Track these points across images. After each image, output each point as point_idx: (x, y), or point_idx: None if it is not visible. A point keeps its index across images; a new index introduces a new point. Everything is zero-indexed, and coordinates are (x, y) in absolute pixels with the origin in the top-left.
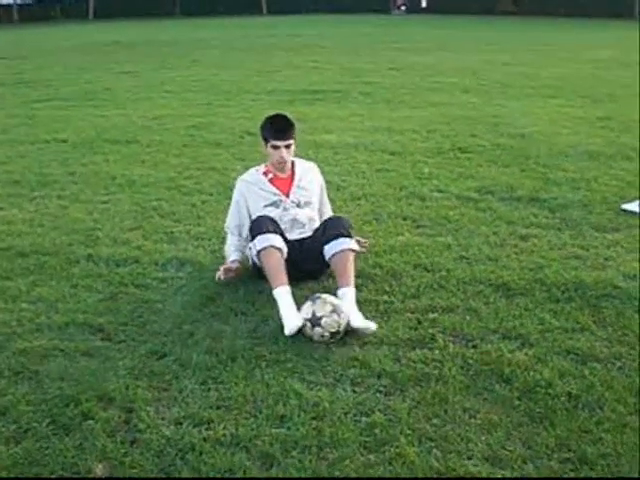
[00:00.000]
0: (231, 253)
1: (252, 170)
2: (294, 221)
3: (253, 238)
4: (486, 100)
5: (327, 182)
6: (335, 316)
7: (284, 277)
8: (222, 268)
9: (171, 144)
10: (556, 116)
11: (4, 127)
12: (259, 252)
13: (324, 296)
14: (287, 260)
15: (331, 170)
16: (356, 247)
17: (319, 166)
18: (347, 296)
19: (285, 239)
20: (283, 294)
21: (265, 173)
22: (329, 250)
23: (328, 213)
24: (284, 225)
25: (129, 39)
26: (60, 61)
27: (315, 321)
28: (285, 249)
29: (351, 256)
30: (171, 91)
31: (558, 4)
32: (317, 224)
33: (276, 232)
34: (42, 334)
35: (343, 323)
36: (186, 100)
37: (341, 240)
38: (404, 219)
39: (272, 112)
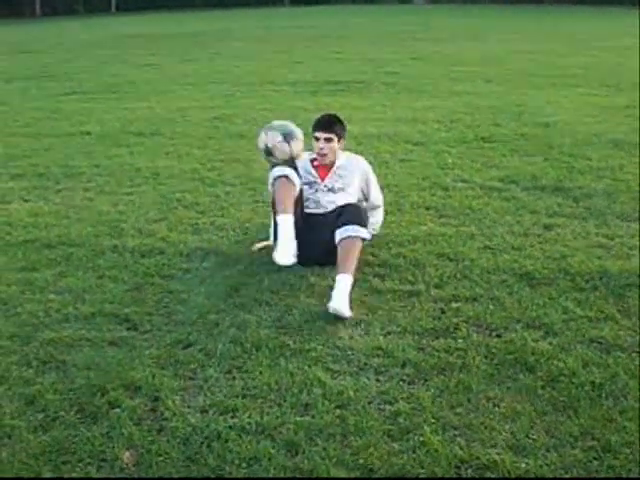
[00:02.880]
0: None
1: (307, 153)
2: (317, 202)
3: (272, 168)
4: (509, 89)
5: None
6: (285, 146)
7: (291, 206)
8: (262, 243)
9: (194, 136)
10: (580, 105)
11: (29, 120)
12: (275, 179)
13: (276, 125)
14: (298, 232)
15: None
16: (367, 236)
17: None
18: (341, 283)
19: (307, 213)
20: (286, 222)
21: (313, 160)
22: (339, 235)
23: (377, 201)
24: (307, 204)
25: (151, 32)
26: (83, 54)
27: (267, 151)
28: (298, 183)
29: (358, 244)
30: (193, 83)
31: None
32: None
33: (294, 168)
34: (69, 324)
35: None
36: (208, 92)
37: (352, 227)
38: (427, 209)
39: (295, 103)
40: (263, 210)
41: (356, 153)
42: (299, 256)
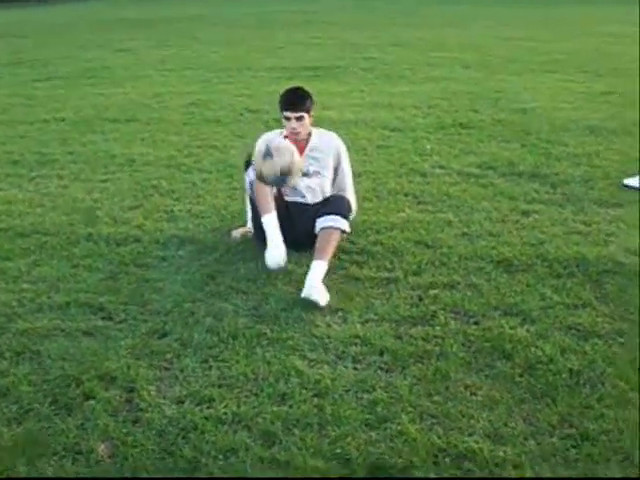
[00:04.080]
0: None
1: (276, 131)
2: (293, 189)
3: (247, 168)
4: (487, 75)
5: None
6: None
7: (271, 203)
8: (240, 231)
9: (171, 122)
10: (558, 91)
11: (3, 107)
12: (251, 182)
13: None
14: (280, 221)
15: None
16: (347, 228)
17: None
18: (316, 269)
19: (282, 199)
20: (271, 221)
21: (285, 137)
22: (319, 224)
23: (345, 186)
24: (285, 189)
25: (128, 16)
26: (59, 40)
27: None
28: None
29: (336, 234)
30: (170, 69)
31: None
32: (323, 196)
33: None
34: (43, 314)
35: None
36: (185, 77)
37: (333, 217)
38: (405, 195)
39: (272, 89)
40: (240, 197)
41: None
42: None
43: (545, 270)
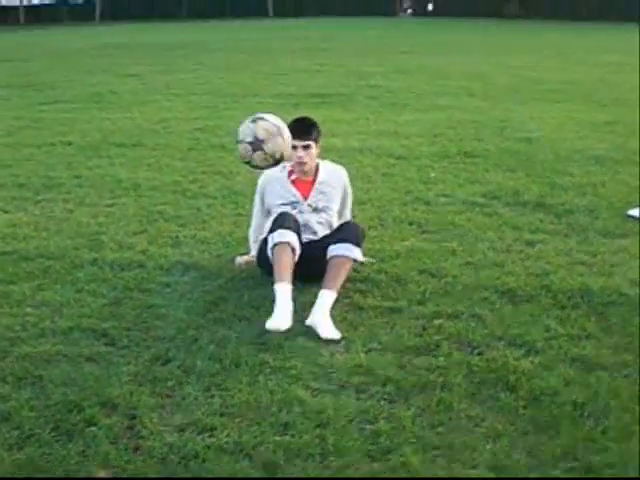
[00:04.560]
0: (253, 248)
1: (279, 167)
2: (305, 226)
3: (272, 231)
4: (493, 104)
5: None
6: (279, 139)
7: (290, 276)
8: (245, 258)
9: (176, 147)
10: (563, 120)
11: (10, 130)
12: (275, 245)
13: (267, 116)
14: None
15: None
16: (360, 258)
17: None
18: (324, 298)
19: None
20: (284, 290)
21: (290, 173)
22: (331, 251)
23: (346, 217)
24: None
25: (134, 42)
26: (66, 63)
27: (257, 145)
28: (299, 251)
29: (349, 264)
30: (176, 94)
31: (566, 7)
32: (330, 229)
33: (295, 232)
34: (46, 339)
35: (287, 147)
36: (191, 103)
37: (347, 245)
38: (409, 224)
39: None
40: (245, 223)
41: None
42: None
43: (549, 301)
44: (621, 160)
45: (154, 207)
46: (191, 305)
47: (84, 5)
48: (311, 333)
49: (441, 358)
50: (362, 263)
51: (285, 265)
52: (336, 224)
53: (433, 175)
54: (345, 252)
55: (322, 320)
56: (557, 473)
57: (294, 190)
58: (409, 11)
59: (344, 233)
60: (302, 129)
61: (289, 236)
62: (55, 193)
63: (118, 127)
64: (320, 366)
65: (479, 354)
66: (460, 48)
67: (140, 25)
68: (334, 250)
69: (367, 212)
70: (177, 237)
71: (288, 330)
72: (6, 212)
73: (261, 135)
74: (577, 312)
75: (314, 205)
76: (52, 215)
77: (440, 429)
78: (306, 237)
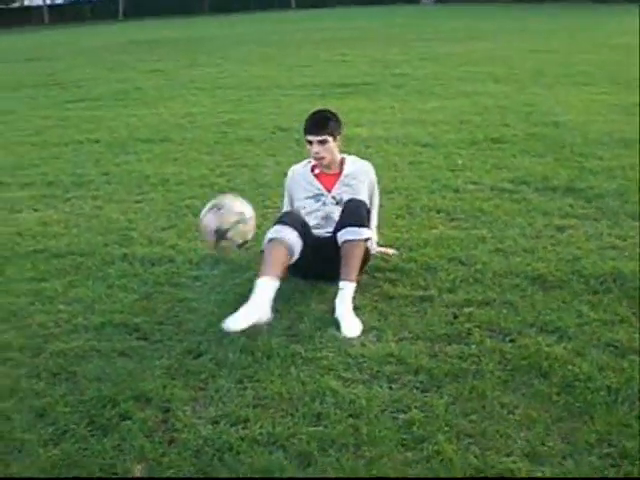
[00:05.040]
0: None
1: (304, 162)
2: (328, 218)
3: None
4: (518, 89)
5: None
6: (241, 226)
7: (275, 271)
8: None
9: (203, 142)
10: (590, 103)
11: (37, 129)
12: (270, 241)
13: (228, 204)
14: (314, 258)
15: None
16: (369, 235)
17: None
18: (344, 290)
19: (314, 236)
20: (261, 287)
21: (313, 168)
22: (340, 237)
23: (373, 216)
24: (316, 221)
25: (158, 37)
26: (91, 61)
27: (221, 235)
28: (297, 250)
29: (360, 247)
30: (201, 88)
31: None
32: None
33: (297, 229)
34: (79, 335)
35: (250, 232)
36: (216, 97)
37: (352, 229)
38: (438, 212)
39: (303, 107)
40: (272, 216)
41: (365, 156)
42: (315, 270)
43: (581, 286)
44: None
45: (182, 202)
46: (222, 298)
47: (107, 3)
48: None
49: (473, 346)
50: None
51: (273, 260)
52: None
53: (460, 162)
54: (354, 236)
55: (344, 315)
56: (592, 459)
57: (318, 183)
58: None
59: (348, 216)
60: (316, 124)
61: (285, 232)
62: (84, 190)
63: (144, 123)
64: (351, 356)
65: (511, 341)
66: (483, 34)
67: (163, 21)
68: (343, 236)
69: (395, 201)
70: None
71: (231, 340)
72: (36, 210)
73: (225, 225)
74: (609, 297)
75: (338, 197)
76: (82, 212)
77: (473, 417)
78: (327, 231)
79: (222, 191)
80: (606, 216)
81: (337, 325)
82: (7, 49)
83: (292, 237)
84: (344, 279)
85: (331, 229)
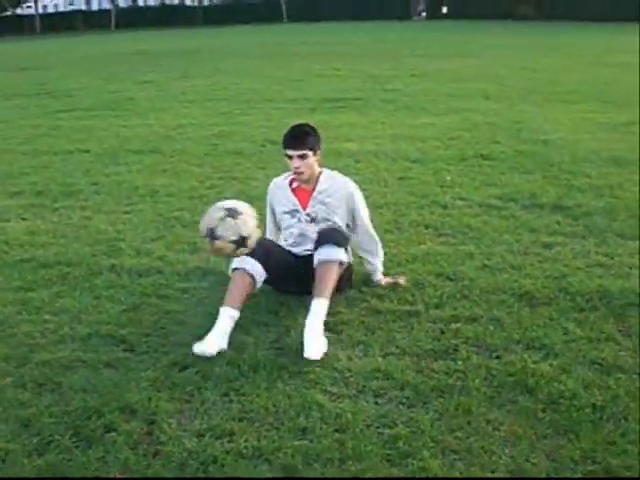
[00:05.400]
0: None
1: (285, 174)
2: (303, 236)
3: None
4: (508, 106)
5: None
6: (229, 220)
7: (239, 302)
8: None
9: (193, 153)
10: (579, 122)
11: (28, 137)
12: (233, 270)
13: (217, 203)
14: (292, 275)
15: (352, 178)
16: (344, 258)
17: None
18: (315, 307)
19: (293, 254)
20: (224, 316)
21: (291, 181)
22: (315, 257)
23: (364, 233)
24: (293, 239)
25: (151, 49)
26: (83, 71)
27: (212, 235)
28: (260, 279)
29: (335, 267)
30: (193, 100)
31: (580, 8)
32: None
33: (259, 259)
34: (65, 345)
35: (243, 226)
36: (207, 109)
37: (328, 249)
38: (426, 227)
39: (293, 121)
40: (262, 229)
41: (355, 170)
42: (297, 289)
43: (568, 303)
44: (638, 161)
45: (171, 213)
46: (209, 311)
47: (100, 13)
48: (327, 338)
49: (459, 362)
50: (350, 263)
51: (235, 291)
52: None
53: (449, 178)
54: (329, 256)
55: (309, 335)
56: (577, 476)
57: (294, 198)
58: (423, 14)
59: (325, 237)
60: (296, 138)
61: (249, 263)
62: (73, 200)
63: (135, 134)
64: (338, 371)
65: (497, 357)
66: (475, 50)
67: (154, 32)
68: (317, 255)
69: (384, 216)
70: (194, 243)
71: (218, 354)
72: (24, 219)
73: (213, 223)
74: (595, 314)
75: (313, 215)
76: (70, 222)
77: (459, 433)
78: (305, 249)
79: (211, 203)
80: (593, 234)
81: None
82: None
83: (255, 268)
84: (316, 297)
85: (307, 247)
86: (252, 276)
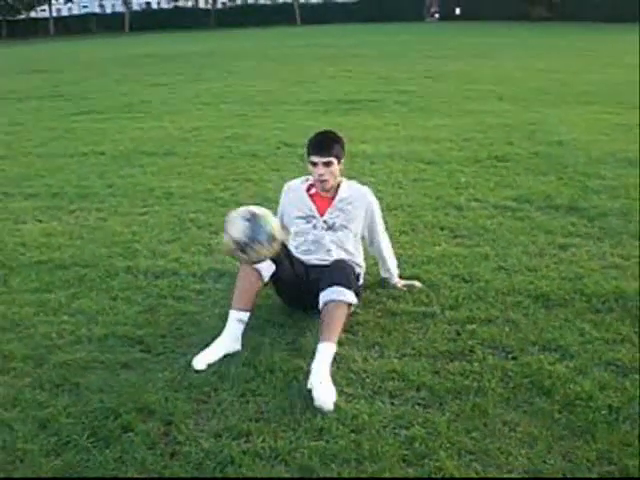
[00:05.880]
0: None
1: (301, 178)
2: (318, 243)
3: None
4: (522, 107)
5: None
6: (258, 248)
7: (246, 302)
8: None
9: (207, 156)
10: (593, 123)
11: (43, 140)
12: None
13: (262, 224)
14: (300, 284)
15: (367, 180)
16: (353, 300)
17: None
18: (322, 354)
19: (302, 262)
20: (233, 320)
21: (309, 187)
22: (323, 297)
23: (381, 242)
24: (306, 246)
25: (164, 51)
26: (97, 74)
27: (241, 247)
28: (268, 274)
29: (343, 309)
30: (207, 103)
31: (593, 9)
32: (348, 253)
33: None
34: (82, 346)
35: (268, 254)
36: (222, 111)
37: (337, 289)
38: (441, 229)
39: (307, 123)
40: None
41: (370, 172)
42: (305, 299)
43: (583, 305)
44: None
45: (186, 215)
46: (225, 312)
47: (113, 16)
48: (343, 340)
49: (475, 363)
50: (357, 305)
51: (243, 289)
52: (351, 247)
53: (464, 180)
54: (338, 296)
55: (318, 383)
56: (593, 477)
57: (311, 204)
58: (436, 15)
59: (334, 276)
60: (323, 144)
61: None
62: (88, 202)
63: (149, 136)
64: (354, 372)
65: (513, 359)
66: (488, 52)
67: (168, 35)
68: (326, 296)
69: (398, 218)
70: (210, 244)
71: (233, 355)
72: (41, 221)
73: (248, 241)
74: (611, 316)
75: (330, 222)
76: (86, 224)
77: (475, 434)
78: (319, 257)
79: (226, 205)
80: (609, 235)
81: (340, 339)
82: (13, 60)
83: (266, 265)
84: (323, 340)
85: (321, 256)
86: (258, 271)
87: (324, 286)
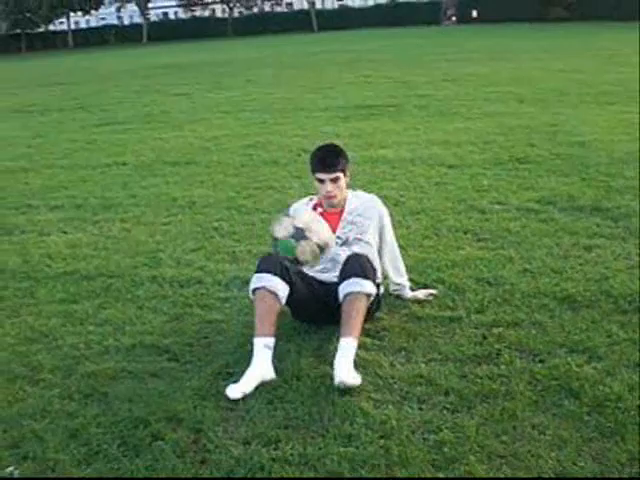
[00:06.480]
0: None
1: (305, 200)
2: (334, 261)
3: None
4: (543, 109)
5: (383, 197)
6: (304, 244)
7: (270, 327)
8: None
9: (229, 164)
10: (615, 122)
11: (65, 152)
12: (253, 291)
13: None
14: (318, 304)
15: (388, 185)
16: (372, 290)
17: (378, 194)
18: (344, 349)
19: (318, 280)
20: (260, 347)
21: (315, 207)
22: (341, 291)
23: (391, 252)
24: (324, 265)
25: (183, 61)
26: (116, 85)
27: (298, 235)
28: (284, 295)
29: (363, 301)
30: (227, 111)
31: (611, 8)
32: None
33: (278, 274)
34: (110, 356)
35: (304, 254)
36: (242, 120)
37: (355, 280)
38: (464, 233)
39: (327, 129)
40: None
41: (391, 177)
42: (325, 317)
43: (610, 306)
44: None
45: (210, 224)
46: (250, 319)
47: (131, 27)
48: (369, 345)
49: (503, 366)
50: (379, 295)
51: (263, 314)
52: (374, 260)
53: (486, 183)
54: (355, 287)
55: (342, 369)
56: (624, 478)
57: None
58: (453, 18)
59: (349, 268)
60: (328, 160)
61: (268, 280)
62: (112, 213)
63: (171, 146)
64: (381, 377)
65: (541, 361)
66: (506, 53)
67: (186, 45)
68: (344, 289)
69: (421, 222)
70: (234, 252)
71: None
72: (65, 233)
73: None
74: (638, 316)
75: (344, 237)
76: (110, 234)
77: (504, 438)
78: (335, 275)
79: (249, 213)
80: (634, 235)
81: (366, 345)
82: (34, 73)
83: (275, 283)
84: (345, 336)
85: (338, 273)
86: (274, 293)
87: (341, 280)
